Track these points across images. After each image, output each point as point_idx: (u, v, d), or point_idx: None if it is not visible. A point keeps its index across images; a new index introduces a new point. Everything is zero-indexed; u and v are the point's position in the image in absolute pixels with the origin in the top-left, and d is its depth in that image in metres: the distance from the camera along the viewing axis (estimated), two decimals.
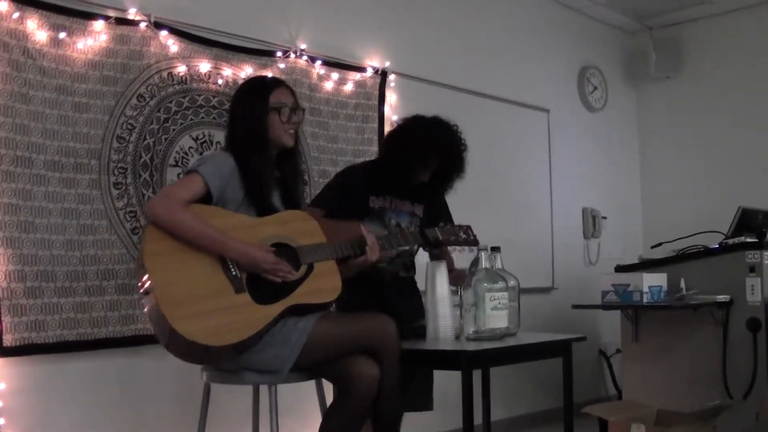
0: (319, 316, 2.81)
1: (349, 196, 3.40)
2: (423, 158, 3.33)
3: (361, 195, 3.41)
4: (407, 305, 3.55)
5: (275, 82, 3.03)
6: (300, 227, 2.91)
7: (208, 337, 2.58)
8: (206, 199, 2.77)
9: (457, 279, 3.32)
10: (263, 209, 2.86)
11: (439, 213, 3.54)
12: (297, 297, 2.77)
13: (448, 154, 3.35)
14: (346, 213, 3.26)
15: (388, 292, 3.45)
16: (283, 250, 2.81)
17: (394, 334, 2.85)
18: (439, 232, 3.21)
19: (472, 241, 3.29)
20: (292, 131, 2.97)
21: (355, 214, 3.31)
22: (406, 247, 3.36)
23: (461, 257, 3.52)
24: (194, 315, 2.58)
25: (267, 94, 2.94)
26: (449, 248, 3.35)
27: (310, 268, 2.84)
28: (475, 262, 3.26)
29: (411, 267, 3.60)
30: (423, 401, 3.52)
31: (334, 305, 2.97)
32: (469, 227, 3.34)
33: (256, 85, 3.04)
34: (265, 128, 2.91)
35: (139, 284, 2.72)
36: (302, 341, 2.74)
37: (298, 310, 2.77)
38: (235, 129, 2.93)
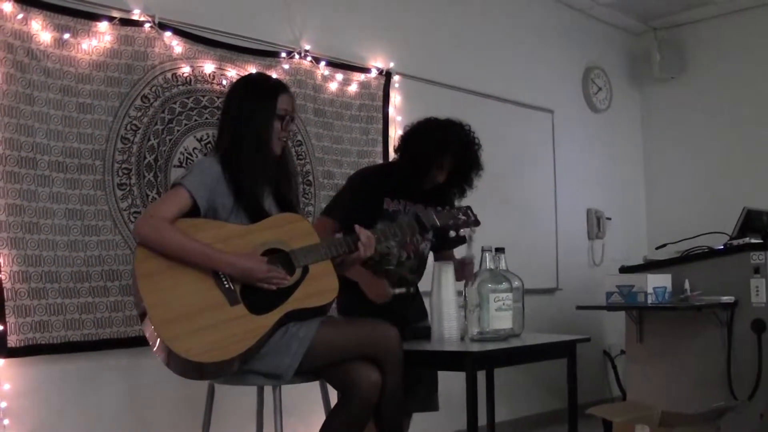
0: (320, 322, 2.78)
1: (365, 198, 3.38)
2: (438, 158, 3.32)
3: (376, 198, 3.39)
4: (409, 307, 3.55)
5: (282, 87, 2.98)
6: (292, 230, 2.85)
7: (204, 354, 2.54)
8: (195, 210, 2.73)
9: (464, 268, 3.30)
10: (254, 212, 2.82)
11: None
12: (293, 302, 2.73)
13: (463, 153, 3.34)
14: (362, 216, 3.24)
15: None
16: (276, 255, 2.77)
17: (396, 341, 2.83)
18: (437, 217, 3.11)
19: (473, 222, 3.18)
20: (284, 139, 2.95)
21: (370, 216, 3.30)
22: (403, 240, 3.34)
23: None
24: (190, 333, 2.55)
25: (275, 97, 2.90)
26: (451, 233, 3.29)
27: (305, 270, 2.79)
28: (469, 238, 3.24)
29: (417, 270, 3.59)
30: (428, 402, 3.52)
31: (335, 306, 2.95)
32: (468, 207, 3.24)
33: (264, 85, 2.98)
34: (270, 132, 2.88)
35: (135, 307, 2.71)
36: (303, 349, 2.71)
37: (297, 316, 2.74)
38: (240, 126, 2.86)
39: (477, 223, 3.22)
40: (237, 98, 2.93)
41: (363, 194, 3.40)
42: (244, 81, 3.08)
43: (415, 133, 3.42)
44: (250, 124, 2.86)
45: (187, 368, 2.61)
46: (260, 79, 3.17)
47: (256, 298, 2.69)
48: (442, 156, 3.32)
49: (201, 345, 2.55)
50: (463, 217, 3.18)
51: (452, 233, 3.18)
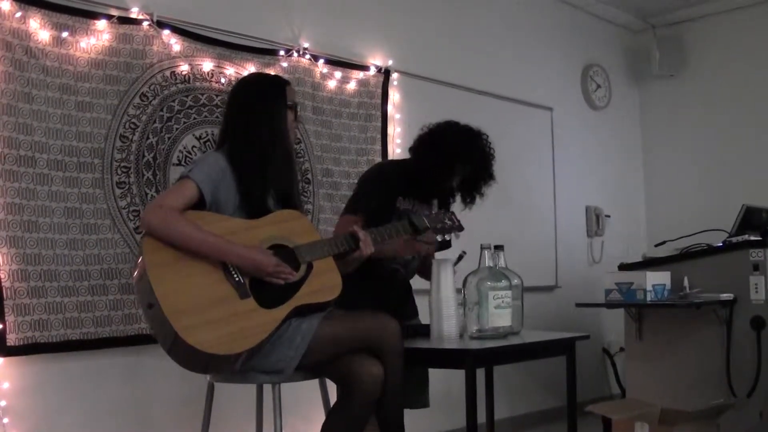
0: (322, 317, 2.80)
1: (385, 192, 3.39)
2: (458, 165, 3.34)
3: (392, 194, 3.40)
4: (404, 304, 3.55)
5: (285, 79, 3.05)
6: (294, 226, 2.88)
7: (218, 346, 2.55)
8: (200, 203, 2.74)
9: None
10: (256, 208, 2.83)
11: None
12: (301, 297, 2.75)
13: (481, 162, 3.37)
14: (378, 210, 3.26)
15: (386, 291, 3.44)
16: (280, 251, 2.79)
17: (397, 333, 2.84)
18: (427, 220, 3.20)
19: (457, 227, 3.27)
20: (294, 131, 2.99)
21: (385, 211, 3.31)
22: (396, 239, 3.35)
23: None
24: (202, 324, 2.55)
25: (284, 90, 2.96)
26: (438, 237, 3.35)
27: (309, 267, 2.82)
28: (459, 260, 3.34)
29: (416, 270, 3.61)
30: (419, 398, 3.52)
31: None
32: (452, 213, 3.33)
33: (271, 80, 3.05)
34: (287, 124, 2.93)
35: (139, 297, 2.71)
36: (306, 342, 2.73)
37: (302, 311, 2.76)
38: (254, 121, 2.87)
39: (461, 228, 3.30)
40: (249, 95, 2.94)
41: (383, 188, 3.41)
42: (252, 79, 3.14)
43: (438, 137, 3.41)
44: (267, 119, 2.89)
45: (193, 359, 2.62)
46: (265, 75, 3.29)
47: (264, 291, 2.70)
48: (464, 163, 3.35)
49: (214, 337, 2.55)
50: (449, 222, 3.26)
51: (439, 237, 3.26)
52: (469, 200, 3.50)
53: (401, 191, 3.42)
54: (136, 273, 2.71)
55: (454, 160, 3.34)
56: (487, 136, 3.44)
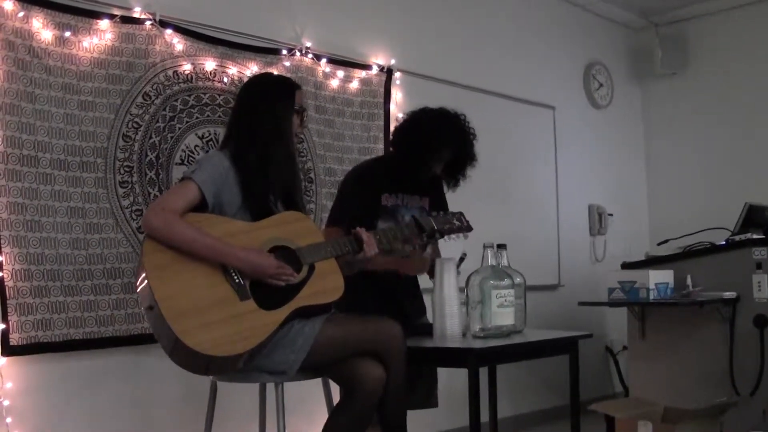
0: (325, 319, 2.79)
1: (364, 196, 3.36)
2: (436, 149, 3.30)
3: (375, 194, 3.38)
4: (412, 303, 3.54)
5: (296, 83, 3.05)
6: (298, 228, 2.87)
7: (216, 348, 2.54)
8: (202, 204, 2.74)
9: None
10: (260, 210, 2.83)
11: (441, 206, 3.52)
12: (302, 299, 2.74)
13: (460, 143, 3.33)
14: (363, 214, 3.24)
15: (393, 291, 3.44)
16: (283, 252, 2.78)
17: (400, 336, 2.83)
18: (434, 221, 3.18)
19: (466, 228, 3.25)
20: (300, 134, 2.99)
21: (370, 213, 3.30)
22: (405, 247, 3.34)
23: (454, 244, 3.52)
24: (201, 327, 2.55)
25: (293, 93, 2.96)
26: (446, 238, 3.32)
27: (312, 268, 2.81)
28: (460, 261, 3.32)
29: None
30: (428, 399, 3.51)
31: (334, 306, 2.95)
32: (461, 213, 3.30)
33: (281, 82, 3.05)
34: (291, 127, 2.93)
35: (141, 299, 2.71)
36: (308, 345, 2.72)
37: (304, 312, 2.76)
38: (259, 123, 2.87)
39: (469, 228, 3.28)
40: (254, 96, 2.95)
41: (362, 192, 3.38)
42: (260, 80, 3.14)
43: (413, 125, 3.39)
44: (271, 120, 2.88)
45: (194, 361, 2.61)
46: (275, 77, 3.28)
47: (265, 293, 2.69)
48: (442, 147, 3.31)
49: (212, 339, 2.55)
50: (457, 223, 3.25)
51: (446, 238, 3.24)
52: (452, 183, 3.48)
53: (385, 188, 3.41)
54: (137, 275, 2.71)
55: (433, 145, 3.30)
56: (465, 116, 3.40)
